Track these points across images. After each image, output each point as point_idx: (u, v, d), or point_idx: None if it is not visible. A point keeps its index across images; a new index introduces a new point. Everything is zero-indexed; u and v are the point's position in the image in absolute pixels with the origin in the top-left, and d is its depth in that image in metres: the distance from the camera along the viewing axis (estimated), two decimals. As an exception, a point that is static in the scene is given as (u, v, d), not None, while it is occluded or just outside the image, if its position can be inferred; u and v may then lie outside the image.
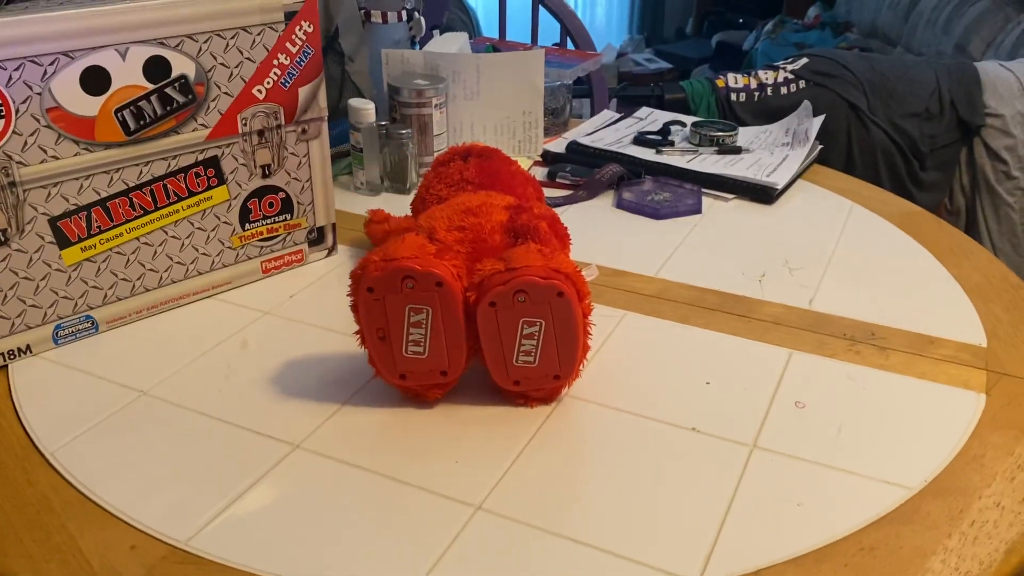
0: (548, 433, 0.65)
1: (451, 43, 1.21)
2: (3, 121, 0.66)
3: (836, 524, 0.57)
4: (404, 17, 1.19)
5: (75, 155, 0.71)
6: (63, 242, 0.73)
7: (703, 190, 1.06)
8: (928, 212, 1.04)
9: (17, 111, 0.67)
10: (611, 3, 4.69)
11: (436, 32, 1.25)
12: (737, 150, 1.14)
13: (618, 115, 1.28)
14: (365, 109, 1.02)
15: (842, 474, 0.62)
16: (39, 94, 0.68)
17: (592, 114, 1.42)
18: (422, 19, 1.20)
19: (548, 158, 1.16)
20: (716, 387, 0.71)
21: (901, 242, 0.96)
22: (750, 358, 0.75)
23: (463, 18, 2.73)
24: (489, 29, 3.21)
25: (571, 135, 1.20)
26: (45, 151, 0.69)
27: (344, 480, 0.61)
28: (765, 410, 0.68)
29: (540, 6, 1.71)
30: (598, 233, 0.98)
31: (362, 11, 1.17)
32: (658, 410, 0.68)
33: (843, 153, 1.52)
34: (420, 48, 1.19)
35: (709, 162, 1.11)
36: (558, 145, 1.18)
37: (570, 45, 1.66)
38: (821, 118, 1.18)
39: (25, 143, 0.68)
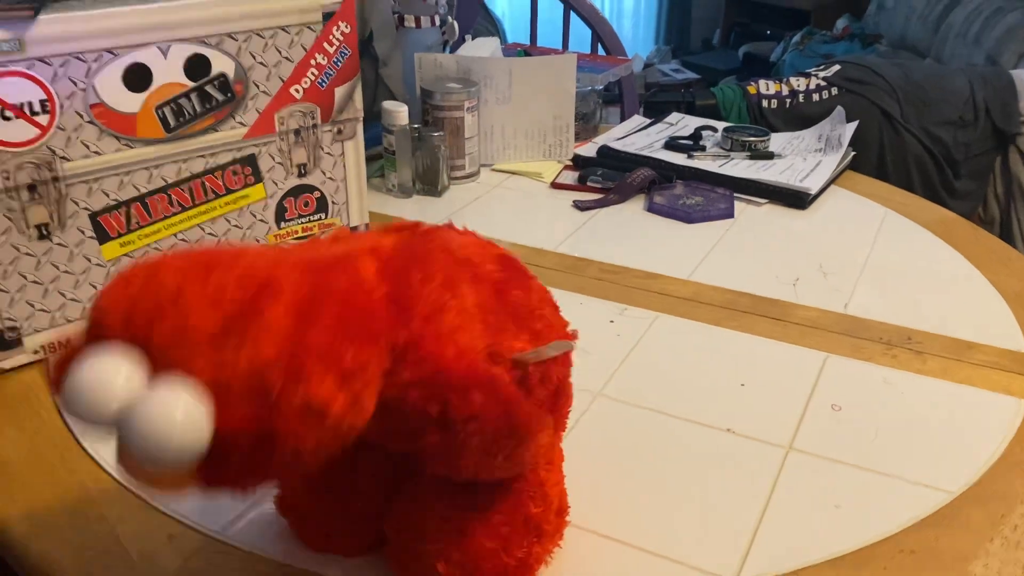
0: (582, 433, 0.65)
1: (483, 48, 1.21)
2: (48, 117, 0.67)
3: (874, 526, 0.57)
4: (437, 22, 1.20)
5: (116, 151, 0.72)
6: (103, 237, 0.74)
7: (735, 195, 1.06)
8: (964, 219, 1.03)
9: (61, 107, 0.68)
10: (638, 14, 4.70)
11: (468, 37, 1.26)
12: (769, 155, 1.13)
13: (649, 120, 1.28)
14: (398, 112, 1.03)
15: (880, 476, 0.61)
16: (83, 90, 0.69)
17: (622, 120, 1.42)
18: (455, 23, 1.21)
19: (579, 162, 1.16)
20: (751, 389, 0.71)
21: (937, 248, 0.95)
22: (785, 361, 0.75)
23: (489, 27, 2.74)
24: (514, 37, 3.23)
25: (602, 139, 1.20)
26: (87, 147, 0.70)
27: (379, 475, 0.61)
28: (801, 412, 0.68)
29: (572, 12, 1.71)
30: (630, 236, 0.97)
31: (396, 15, 1.18)
32: (692, 411, 0.68)
33: (876, 160, 1.51)
34: (453, 52, 1.20)
35: (741, 167, 1.10)
36: (589, 149, 1.18)
37: (600, 51, 1.66)
38: (854, 124, 1.17)
39: (68, 139, 0.69)
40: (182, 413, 0.34)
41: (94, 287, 0.74)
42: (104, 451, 0.63)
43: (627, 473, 0.61)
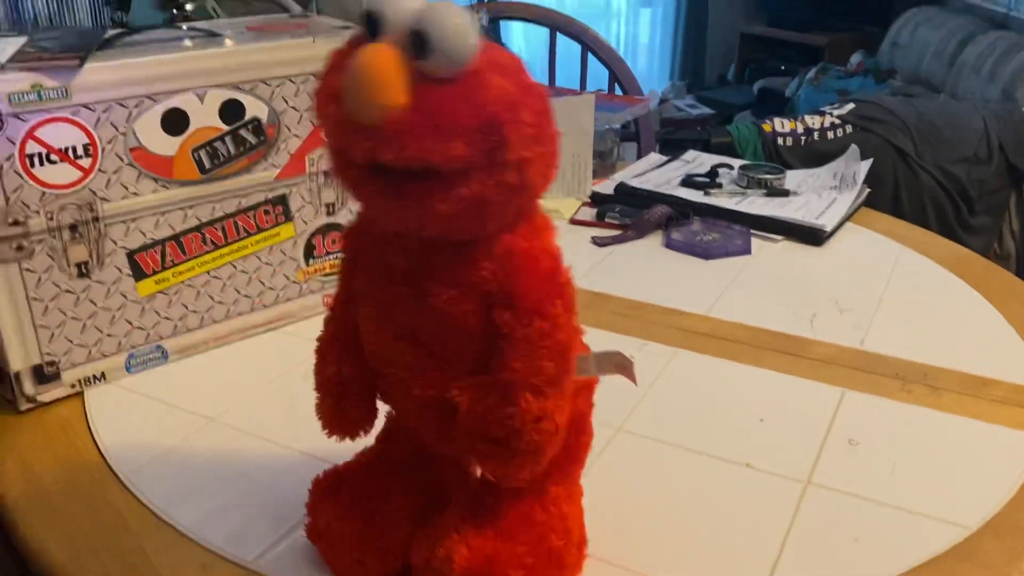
0: (604, 467, 0.67)
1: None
2: (90, 160, 0.70)
3: (893, 561, 0.58)
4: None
5: (153, 192, 0.75)
6: (139, 274, 0.76)
7: (752, 231, 1.07)
8: (979, 255, 1.04)
9: (103, 150, 0.71)
10: (653, 49, 4.76)
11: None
12: (785, 193, 1.15)
13: (665, 158, 1.31)
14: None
15: (898, 511, 0.62)
16: (123, 134, 0.72)
17: (638, 157, 1.44)
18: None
19: (597, 199, 1.18)
20: (769, 424, 0.72)
21: (952, 284, 0.97)
22: (802, 396, 0.76)
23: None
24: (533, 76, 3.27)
25: (619, 177, 1.23)
26: (126, 188, 0.73)
27: (406, 507, 0.62)
28: (818, 447, 0.69)
29: (589, 52, 1.75)
30: (648, 272, 0.99)
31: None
32: (712, 446, 0.69)
33: (891, 197, 1.53)
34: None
35: (757, 204, 1.12)
36: (606, 187, 1.20)
37: (617, 90, 1.69)
38: (869, 162, 1.19)
39: (108, 180, 0.72)
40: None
41: (129, 323, 0.77)
42: (140, 483, 0.65)
43: (648, 507, 0.63)
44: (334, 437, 0.55)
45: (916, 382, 0.78)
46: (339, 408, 0.54)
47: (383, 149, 0.41)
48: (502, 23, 2.47)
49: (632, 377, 0.52)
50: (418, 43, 0.40)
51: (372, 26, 0.42)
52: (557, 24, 1.77)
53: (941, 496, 0.64)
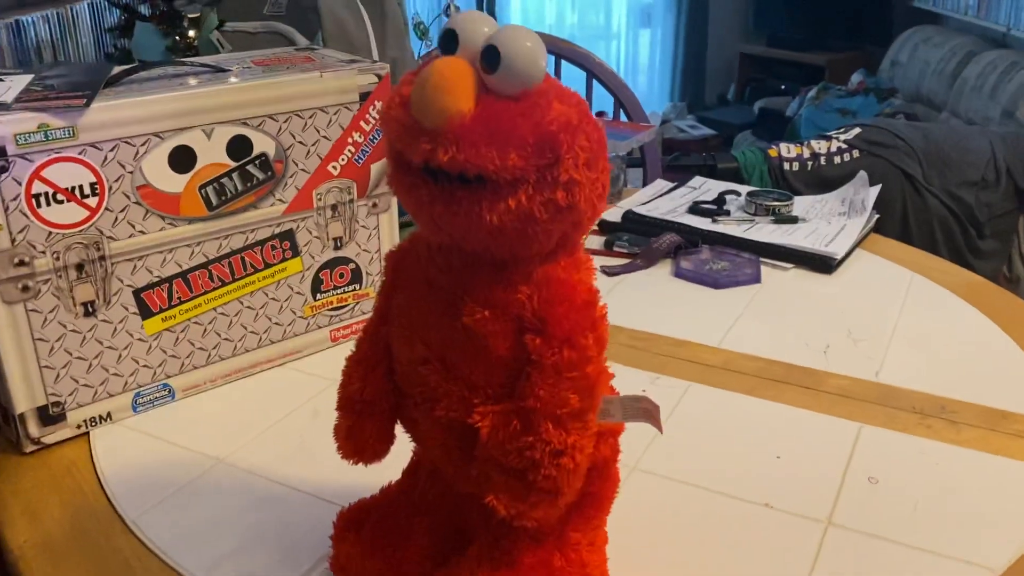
0: (617, 507, 0.65)
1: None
2: (97, 199, 0.70)
3: (919, 605, 0.56)
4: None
5: (160, 230, 0.74)
6: (145, 313, 0.75)
7: (761, 259, 1.07)
8: (991, 282, 1.03)
9: (110, 189, 0.70)
10: (653, 70, 4.78)
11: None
12: (794, 219, 1.15)
13: (672, 184, 1.30)
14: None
15: (922, 553, 0.61)
16: (130, 173, 0.71)
17: (644, 184, 1.44)
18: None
19: (605, 227, 1.18)
20: (787, 461, 0.71)
21: (965, 313, 0.96)
22: (819, 432, 0.75)
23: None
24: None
25: (626, 204, 1.22)
26: (133, 226, 0.72)
27: (419, 552, 0.61)
28: (838, 485, 0.68)
29: (594, 80, 1.75)
30: (658, 302, 0.98)
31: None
32: (729, 485, 0.68)
33: (899, 222, 1.52)
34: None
35: (766, 231, 1.11)
36: (614, 214, 1.19)
37: (623, 117, 1.69)
38: (877, 188, 1.18)
39: (116, 219, 0.71)
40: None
41: (136, 362, 0.76)
42: (147, 527, 0.64)
43: (666, 550, 0.61)
44: (349, 460, 0.54)
45: (934, 416, 0.76)
46: (356, 429, 0.54)
47: (440, 151, 0.42)
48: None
49: (659, 425, 0.51)
50: (490, 58, 0.42)
51: (448, 43, 0.44)
52: (561, 52, 1.77)
53: (966, 537, 0.62)
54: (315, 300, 0.85)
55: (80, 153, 0.68)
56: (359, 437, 0.53)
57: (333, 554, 0.57)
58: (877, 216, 1.16)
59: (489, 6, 3.89)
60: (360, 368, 0.53)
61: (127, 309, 0.74)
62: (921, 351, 0.88)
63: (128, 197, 0.71)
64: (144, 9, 2.20)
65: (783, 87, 4.15)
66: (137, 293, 0.74)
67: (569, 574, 0.53)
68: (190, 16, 1.81)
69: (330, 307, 0.87)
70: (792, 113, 3.69)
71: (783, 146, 1.58)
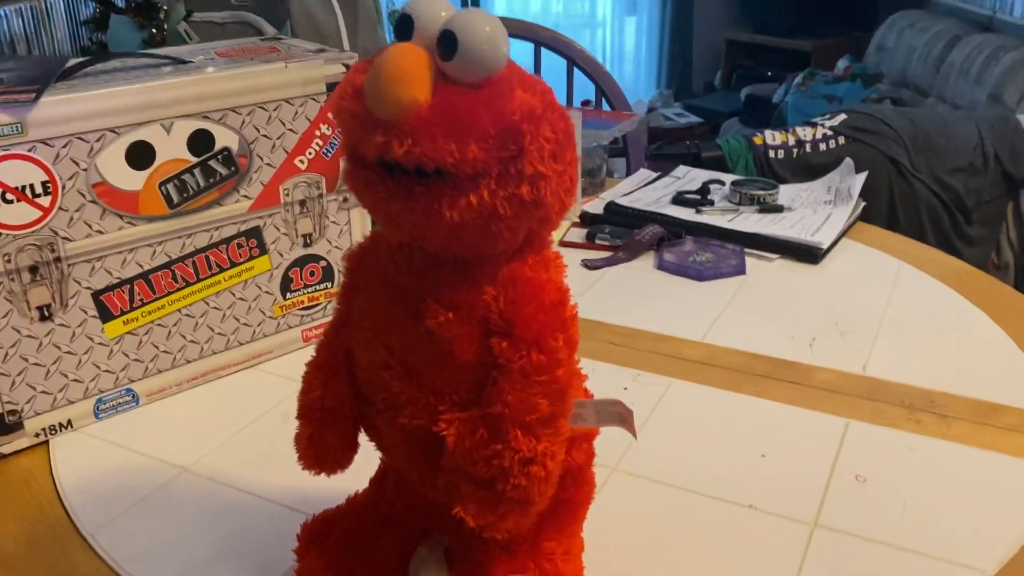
0: (596, 511, 0.63)
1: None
2: (50, 198, 0.67)
3: (909, 611, 0.54)
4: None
5: (119, 229, 0.71)
6: (106, 316, 0.72)
7: (746, 250, 1.04)
8: (980, 271, 1.01)
9: (63, 187, 0.67)
10: (639, 58, 4.75)
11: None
12: (779, 208, 1.12)
13: (655, 174, 1.28)
14: (404, 174, 1.02)
15: (911, 555, 0.59)
16: (85, 170, 0.68)
17: (628, 173, 1.41)
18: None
19: (586, 219, 1.15)
20: (771, 460, 0.69)
21: (954, 302, 0.94)
22: (805, 428, 0.72)
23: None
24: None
25: (608, 195, 1.20)
26: (90, 226, 0.69)
27: (389, 563, 0.59)
28: (824, 484, 0.66)
29: (575, 67, 1.72)
30: (641, 296, 0.96)
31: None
32: (712, 485, 0.65)
33: (886, 209, 1.50)
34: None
35: (751, 221, 1.09)
36: (596, 206, 1.17)
37: (605, 106, 1.66)
38: (864, 175, 1.16)
39: (71, 218, 0.68)
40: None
41: (97, 367, 0.73)
42: (106, 542, 0.61)
43: (647, 554, 0.59)
44: (311, 471, 0.52)
45: (923, 410, 0.74)
46: (317, 438, 0.51)
47: (395, 144, 0.39)
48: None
49: (632, 430, 0.49)
50: (446, 44, 0.40)
51: (403, 28, 0.42)
52: (541, 39, 1.74)
53: (956, 537, 0.60)
54: (285, 299, 0.82)
55: (30, 150, 0.65)
56: (320, 446, 0.51)
57: (298, 568, 0.54)
58: (864, 204, 1.14)
59: (473, -6, 3.85)
60: (320, 374, 0.51)
61: (86, 312, 0.71)
62: (909, 343, 0.86)
63: (83, 196, 0.68)
64: (119, 1, 2.16)
65: (769, 74, 4.13)
66: (96, 295, 0.71)
67: None
68: (166, 8, 1.78)
69: (301, 306, 0.84)
70: (779, 100, 3.67)
71: (768, 133, 1.56)
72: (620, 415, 0.48)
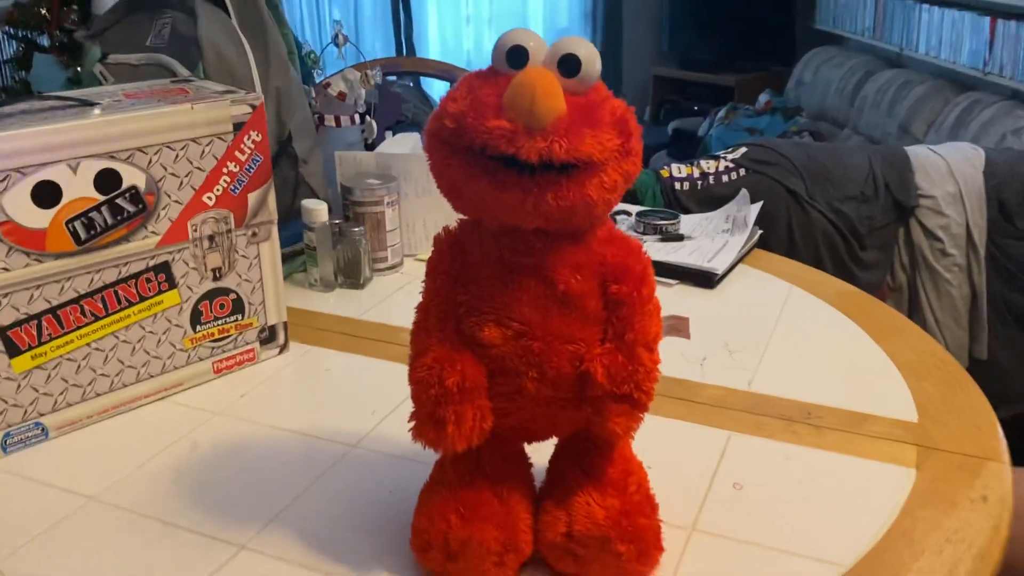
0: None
1: (404, 144, 1.25)
2: (-46, 236, 0.68)
3: (771, 604, 0.59)
4: (357, 121, 1.24)
5: (26, 266, 0.73)
6: (13, 351, 0.74)
7: (648, 277, 1.10)
8: (863, 292, 1.08)
9: (-31, 226, 0.69)
10: (571, 94, 4.84)
11: (388, 134, 1.30)
12: (680, 237, 1.18)
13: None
14: (317, 209, 1.05)
15: (779, 554, 0.63)
16: (-9, 209, 0.70)
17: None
18: (374, 123, 1.25)
19: (499, 250, 1.19)
20: (657, 471, 0.72)
21: (837, 322, 1.00)
22: (690, 441, 0.77)
23: (427, 111, 2.82)
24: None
25: (522, 227, 1.24)
26: (-4, 263, 0.71)
27: (288, 580, 0.61)
28: (704, 493, 0.70)
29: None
30: (546, 322, 1.00)
31: (316, 116, 1.22)
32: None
33: (785, 237, 1.58)
34: (373, 149, 1.24)
35: (653, 250, 1.14)
36: (509, 237, 1.21)
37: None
38: (759, 205, 1.23)
39: (-24, 256, 0.70)
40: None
41: (5, 402, 0.74)
42: (11, 571, 0.62)
43: (534, 564, 0.62)
44: (458, 448, 0.57)
45: (800, 422, 0.80)
46: (460, 418, 0.56)
47: (556, 145, 0.50)
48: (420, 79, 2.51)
49: (687, 334, 0.76)
50: (570, 65, 0.52)
51: (517, 57, 0.52)
52: (455, 78, 1.79)
53: (819, 536, 0.65)
54: (195, 332, 0.85)
55: (-66, 191, 0.67)
56: (463, 423, 0.56)
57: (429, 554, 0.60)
58: (760, 232, 1.21)
59: (407, 32, 3.91)
60: (449, 362, 0.56)
61: (-7, 348, 0.73)
62: (793, 360, 0.91)
63: (-11, 234, 0.70)
64: (43, 40, 2.15)
65: (696, 108, 4.26)
66: (3, 331, 0.73)
67: (638, 467, 0.63)
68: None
69: (211, 339, 0.86)
70: (703, 133, 3.79)
71: (674, 167, 1.63)
72: (675, 326, 0.80)
